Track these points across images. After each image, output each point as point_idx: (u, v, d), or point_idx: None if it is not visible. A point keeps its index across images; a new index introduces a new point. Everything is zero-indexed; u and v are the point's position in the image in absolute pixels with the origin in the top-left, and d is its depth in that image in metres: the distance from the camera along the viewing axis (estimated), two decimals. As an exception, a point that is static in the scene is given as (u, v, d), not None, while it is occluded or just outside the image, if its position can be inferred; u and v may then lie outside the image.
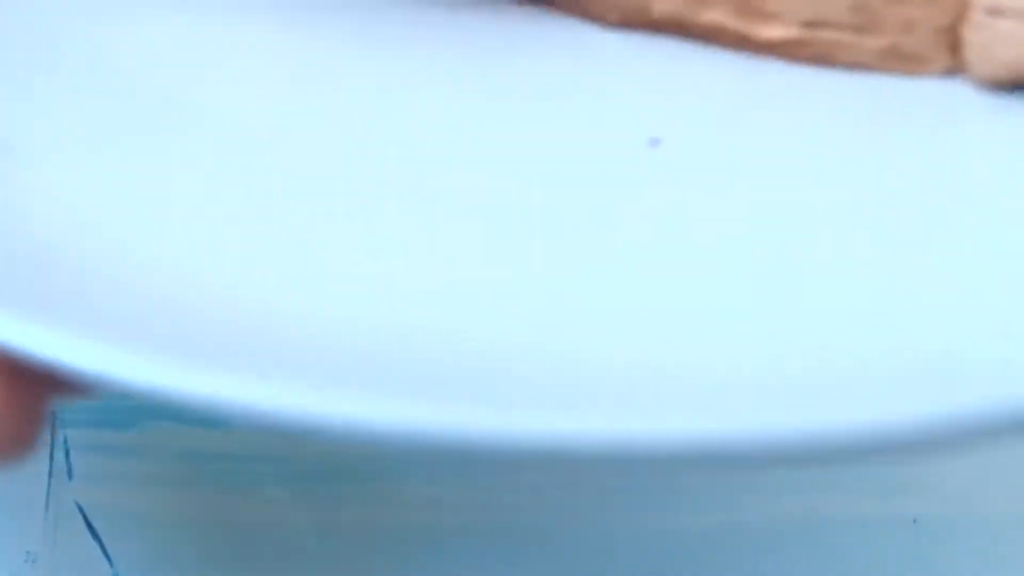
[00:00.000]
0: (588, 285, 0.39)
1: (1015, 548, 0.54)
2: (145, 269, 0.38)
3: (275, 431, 0.33)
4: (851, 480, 0.55)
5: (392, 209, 0.41)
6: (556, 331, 0.37)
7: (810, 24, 0.45)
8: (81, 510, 0.53)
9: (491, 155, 0.43)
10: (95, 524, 0.53)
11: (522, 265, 0.40)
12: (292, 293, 0.37)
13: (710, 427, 0.32)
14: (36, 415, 0.35)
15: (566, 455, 0.33)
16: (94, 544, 0.52)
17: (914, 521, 0.54)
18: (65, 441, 0.54)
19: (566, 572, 0.53)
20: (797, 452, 0.32)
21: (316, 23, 0.46)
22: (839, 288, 0.39)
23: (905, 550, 0.54)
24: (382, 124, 0.43)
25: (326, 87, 0.45)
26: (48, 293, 0.36)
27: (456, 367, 0.36)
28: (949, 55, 0.44)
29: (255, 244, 0.39)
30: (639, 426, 0.32)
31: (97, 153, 0.42)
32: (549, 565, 0.53)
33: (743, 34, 0.45)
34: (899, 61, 0.45)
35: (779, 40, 0.45)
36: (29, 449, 0.36)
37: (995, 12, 0.43)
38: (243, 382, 0.33)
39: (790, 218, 0.41)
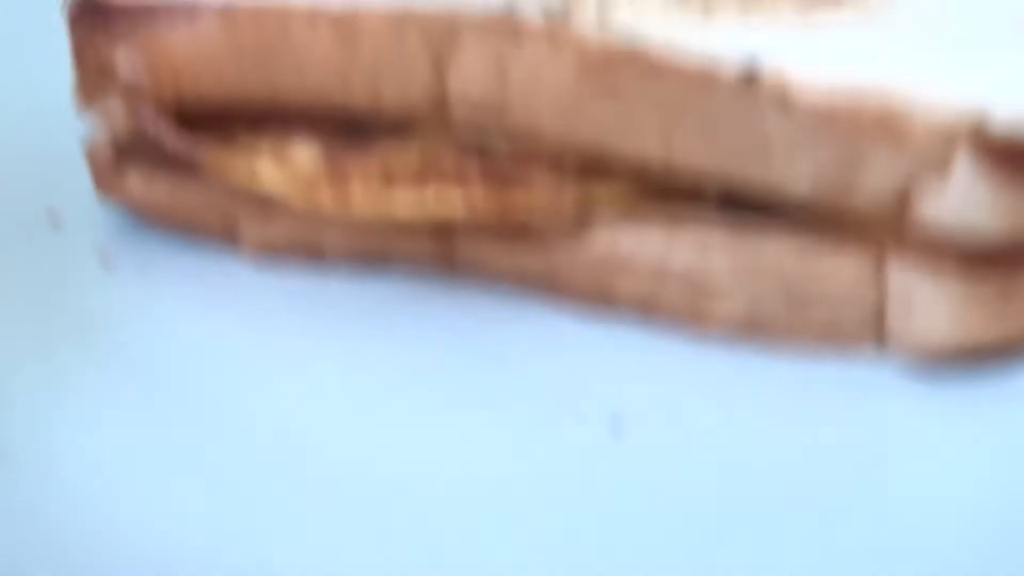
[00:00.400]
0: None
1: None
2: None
3: None
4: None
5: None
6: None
7: (752, 300, 0.51)
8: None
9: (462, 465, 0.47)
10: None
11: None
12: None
13: None
14: None
15: None
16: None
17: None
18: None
19: None
20: None
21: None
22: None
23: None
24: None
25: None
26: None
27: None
28: (878, 333, 0.50)
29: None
30: None
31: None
32: None
33: (698, 311, 0.51)
34: (833, 338, 0.50)
35: (728, 316, 0.51)
36: None
37: (909, 294, 0.49)
38: None
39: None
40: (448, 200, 0.52)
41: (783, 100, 0.47)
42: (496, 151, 0.52)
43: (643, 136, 0.49)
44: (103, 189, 0.57)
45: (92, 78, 0.54)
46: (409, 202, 0.52)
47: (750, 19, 0.50)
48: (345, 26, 0.51)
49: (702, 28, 0.50)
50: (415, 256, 0.54)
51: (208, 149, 0.54)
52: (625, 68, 0.49)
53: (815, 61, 0.48)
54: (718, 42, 0.49)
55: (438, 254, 0.54)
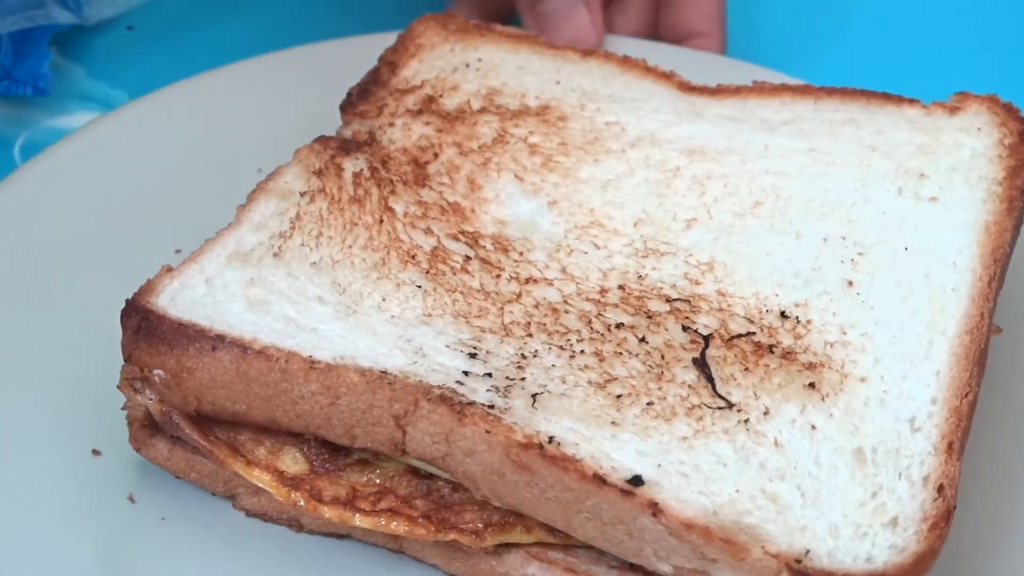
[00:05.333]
0: None
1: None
2: None
3: None
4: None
5: None
6: None
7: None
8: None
9: None
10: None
11: None
12: None
13: None
14: None
15: None
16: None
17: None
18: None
19: None
20: None
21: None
22: None
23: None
24: None
25: None
26: None
27: None
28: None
29: None
30: None
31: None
32: None
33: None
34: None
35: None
36: None
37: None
38: None
39: None
40: (396, 523, 0.66)
41: (654, 510, 0.60)
42: (440, 482, 0.66)
43: (549, 511, 0.63)
44: (135, 445, 0.71)
45: (134, 369, 0.68)
46: (367, 520, 0.66)
47: (649, 435, 0.63)
48: (330, 380, 0.65)
49: (610, 437, 0.63)
50: (373, 541, 0.69)
51: (216, 445, 0.68)
52: (539, 460, 0.62)
53: (688, 481, 0.61)
54: (618, 450, 0.62)
55: (391, 542, 0.68)
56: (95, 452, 0.72)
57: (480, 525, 0.66)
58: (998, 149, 0.76)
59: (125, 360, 0.68)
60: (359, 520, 0.66)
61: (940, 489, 0.62)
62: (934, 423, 0.65)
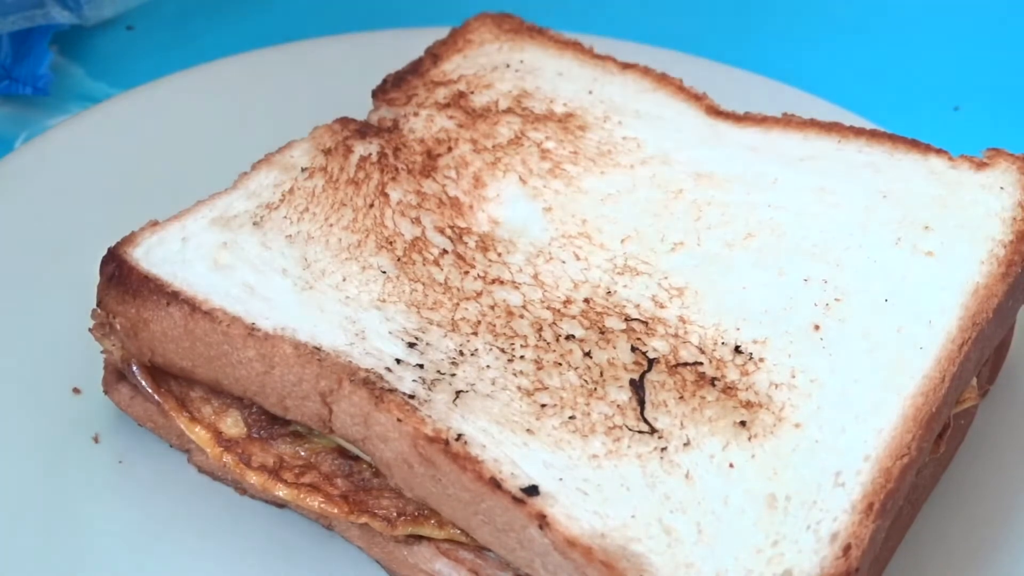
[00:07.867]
0: None
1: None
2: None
3: None
4: None
5: None
6: None
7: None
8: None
9: None
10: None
11: None
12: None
13: None
14: None
15: None
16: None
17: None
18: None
19: None
20: None
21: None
22: None
23: None
24: None
25: None
26: None
27: None
28: None
29: None
30: None
31: None
32: None
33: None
34: None
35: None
36: None
37: None
38: None
39: None
40: (313, 498, 0.67)
41: (541, 522, 0.60)
42: (363, 465, 0.67)
43: (451, 509, 0.63)
44: (104, 388, 0.73)
45: (102, 315, 0.70)
46: (287, 491, 0.67)
47: (560, 448, 0.62)
48: (266, 348, 0.66)
49: (521, 444, 0.62)
50: (308, 516, 0.70)
51: (166, 397, 0.70)
52: (442, 455, 0.62)
53: (585, 499, 0.60)
54: (525, 458, 0.62)
55: (323, 519, 0.69)
56: (76, 390, 0.75)
57: (394, 513, 0.66)
58: (1014, 211, 0.72)
59: (96, 305, 0.71)
60: (280, 490, 0.67)
61: (846, 549, 0.60)
62: (860, 481, 0.62)
